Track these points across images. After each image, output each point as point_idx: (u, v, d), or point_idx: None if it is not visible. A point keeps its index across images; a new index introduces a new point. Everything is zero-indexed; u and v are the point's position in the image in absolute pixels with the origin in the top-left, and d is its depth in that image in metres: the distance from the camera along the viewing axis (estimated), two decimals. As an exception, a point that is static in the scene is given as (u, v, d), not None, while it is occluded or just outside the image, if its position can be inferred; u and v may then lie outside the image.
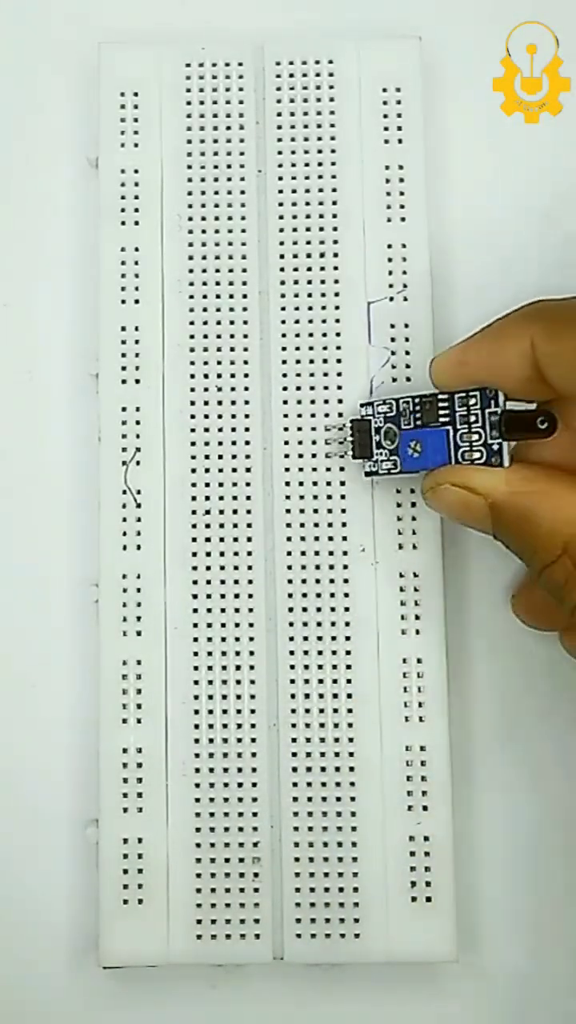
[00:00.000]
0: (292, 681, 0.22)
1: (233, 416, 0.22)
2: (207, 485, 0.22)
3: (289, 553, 0.22)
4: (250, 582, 0.22)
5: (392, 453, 0.21)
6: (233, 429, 0.22)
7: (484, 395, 0.19)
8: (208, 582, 0.22)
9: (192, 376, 0.22)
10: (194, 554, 0.22)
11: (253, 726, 0.22)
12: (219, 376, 0.22)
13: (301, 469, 0.22)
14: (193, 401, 0.22)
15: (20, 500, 0.23)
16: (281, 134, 0.23)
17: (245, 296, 0.22)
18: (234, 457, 0.22)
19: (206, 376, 0.22)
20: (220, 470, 0.22)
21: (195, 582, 0.22)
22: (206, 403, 0.22)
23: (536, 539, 0.18)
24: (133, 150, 0.23)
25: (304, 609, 0.22)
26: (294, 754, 0.21)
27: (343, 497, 0.22)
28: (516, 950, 0.22)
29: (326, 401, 0.22)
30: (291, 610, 0.22)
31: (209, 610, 0.22)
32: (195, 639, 0.22)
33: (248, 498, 0.22)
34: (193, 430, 0.22)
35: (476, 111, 0.24)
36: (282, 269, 0.22)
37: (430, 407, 0.20)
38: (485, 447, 0.19)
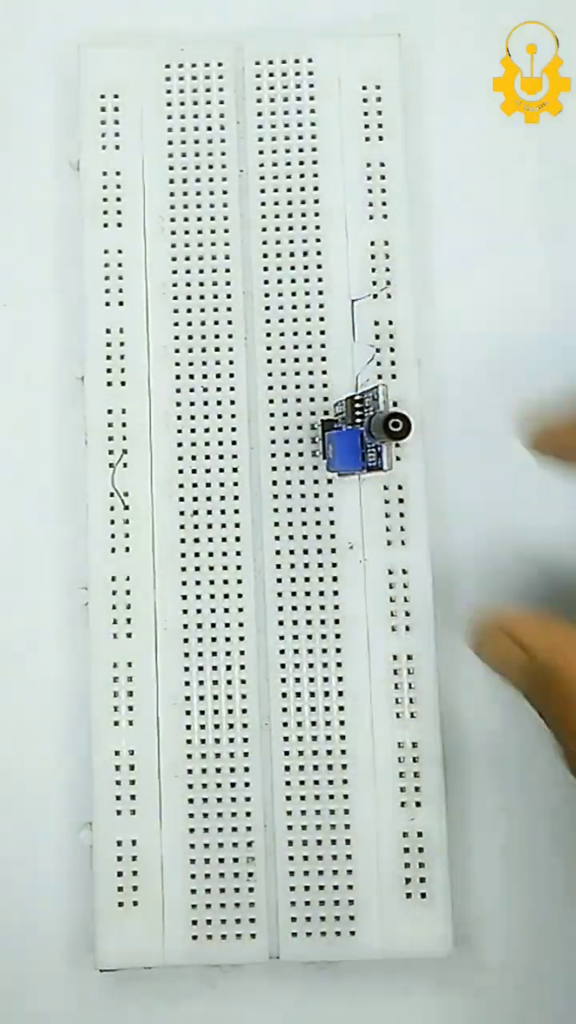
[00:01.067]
0: (283, 680, 0.22)
1: (219, 416, 0.22)
2: (195, 486, 0.22)
3: (278, 552, 0.22)
4: (239, 582, 0.22)
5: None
6: (220, 429, 0.22)
7: (373, 394, 0.18)
8: (197, 583, 0.22)
9: (178, 377, 0.22)
10: (183, 555, 0.22)
11: (245, 726, 0.22)
12: (204, 377, 0.22)
13: (288, 468, 0.22)
14: (179, 402, 0.22)
15: (7, 504, 0.23)
16: (262, 133, 0.23)
17: (229, 296, 0.22)
18: (221, 457, 0.22)
19: (191, 377, 0.22)
20: (207, 470, 0.22)
21: (184, 583, 0.22)
22: (192, 404, 0.22)
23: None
24: (114, 152, 0.23)
25: (294, 608, 0.22)
26: (286, 753, 0.21)
27: (330, 495, 0.22)
28: (511, 944, 0.22)
29: (312, 399, 0.22)
30: (280, 609, 0.22)
31: (199, 611, 0.22)
32: (185, 640, 0.22)
33: (236, 498, 0.22)
34: (180, 431, 0.22)
35: (465, 109, 0.24)
36: (265, 268, 0.23)
37: (349, 407, 0.20)
38: (374, 449, 0.18)
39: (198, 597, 0.22)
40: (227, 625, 0.22)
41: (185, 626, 0.22)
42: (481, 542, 0.23)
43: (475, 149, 0.24)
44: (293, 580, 0.22)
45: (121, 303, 0.22)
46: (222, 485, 0.22)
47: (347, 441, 0.19)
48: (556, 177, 0.24)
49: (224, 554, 0.22)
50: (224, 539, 0.22)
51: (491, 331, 0.23)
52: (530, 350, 0.23)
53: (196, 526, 0.22)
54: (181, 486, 0.22)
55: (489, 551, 0.23)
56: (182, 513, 0.22)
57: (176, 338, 0.22)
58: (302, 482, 0.22)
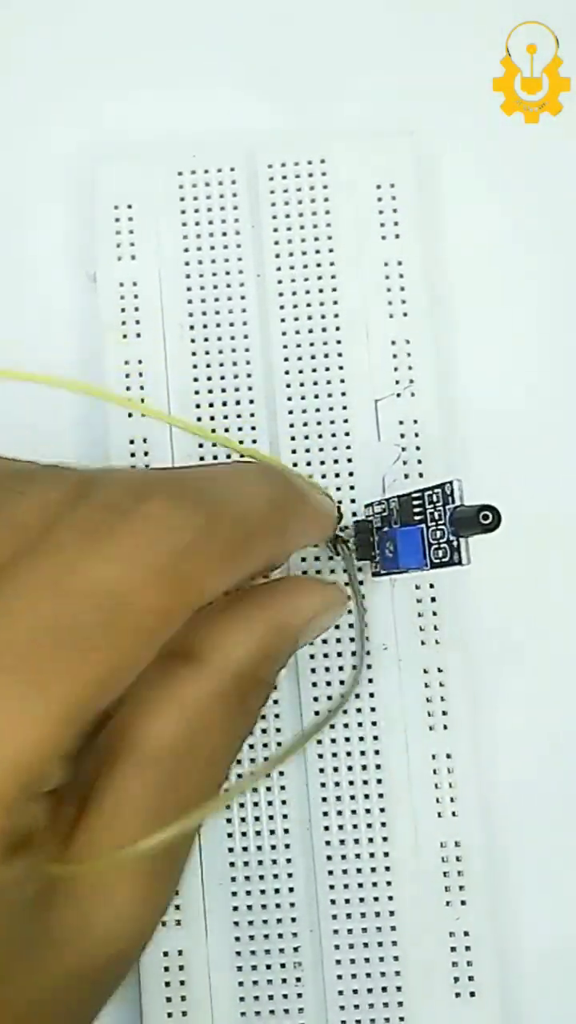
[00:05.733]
0: (323, 784, 0.22)
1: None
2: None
3: (312, 656, 0.22)
4: (276, 688, 0.22)
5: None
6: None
7: (443, 490, 0.18)
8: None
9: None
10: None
11: (286, 831, 0.22)
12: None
13: (319, 572, 0.22)
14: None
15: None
16: (278, 236, 0.23)
17: (252, 402, 0.22)
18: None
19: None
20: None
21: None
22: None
23: None
24: (130, 262, 0.22)
25: (330, 711, 0.22)
26: (328, 857, 0.21)
27: (363, 597, 0.22)
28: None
29: (340, 502, 0.22)
30: (317, 713, 0.22)
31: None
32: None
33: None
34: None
35: (483, 198, 0.24)
36: (287, 372, 0.22)
37: (405, 505, 0.20)
38: (447, 544, 0.18)
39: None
40: (264, 731, 0.22)
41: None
42: (515, 633, 0.23)
43: (494, 239, 0.24)
44: (328, 683, 0.22)
45: (143, 415, 0.22)
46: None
47: (410, 539, 0.19)
48: (556, 178, 0.24)
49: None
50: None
51: (517, 425, 0.23)
52: (559, 444, 0.23)
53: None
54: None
55: (523, 644, 0.23)
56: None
57: (200, 445, 0.22)
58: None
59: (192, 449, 0.22)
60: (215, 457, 0.22)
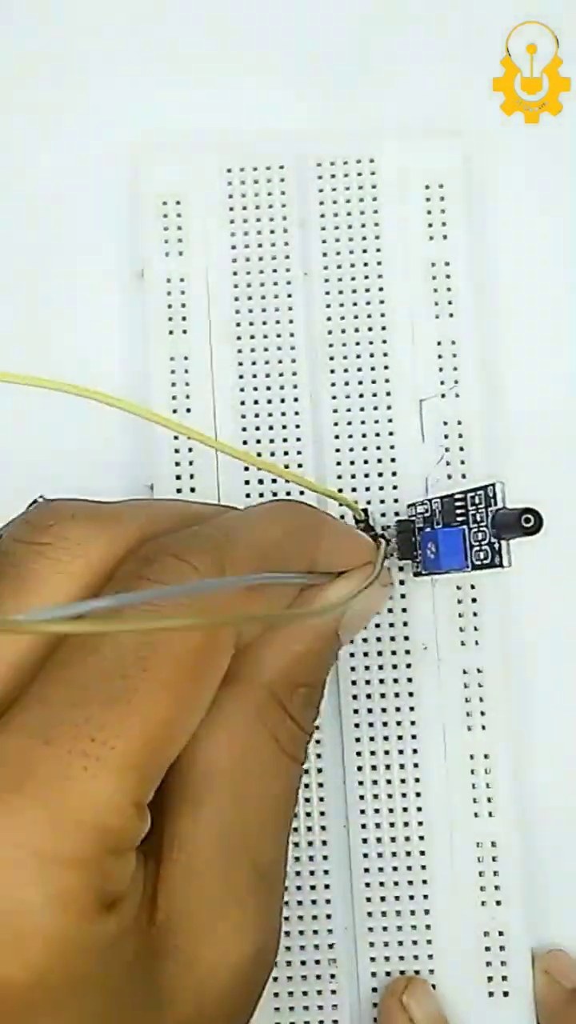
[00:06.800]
0: (360, 783, 0.22)
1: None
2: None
3: (352, 655, 0.22)
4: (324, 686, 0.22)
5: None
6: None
7: (486, 492, 0.18)
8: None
9: (247, 483, 0.22)
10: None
11: (323, 828, 0.22)
12: (274, 481, 0.22)
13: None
14: (249, 506, 0.22)
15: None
16: (325, 235, 0.23)
17: (296, 400, 0.22)
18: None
19: (260, 482, 0.22)
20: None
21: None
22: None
23: None
24: (178, 258, 0.23)
25: (369, 710, 0.22)
26: (365, 855, 0.22)
27: (403, 596, 0.22)
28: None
29: (382, 501, 0.22)
30: (356, 711, 0.22)
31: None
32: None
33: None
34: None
35: (528, 204, 0.24)
36: (332, 371, 0.22)
37: (448, 507, 0.20)
38: (489, 546, 0.18)
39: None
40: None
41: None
42: (555, 636, 0.23)
43: (540, 245, 0.24)
44: (368, 682, 0.22)
45: (188, 410, 0.22)
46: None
47: (452, 540, 0.19)
48: (556, 178, 0.24)
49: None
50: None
51: (560, 428, 0.23)
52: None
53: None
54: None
55: (564, 646, 0.23)
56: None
57: (245, 443, 0.22)
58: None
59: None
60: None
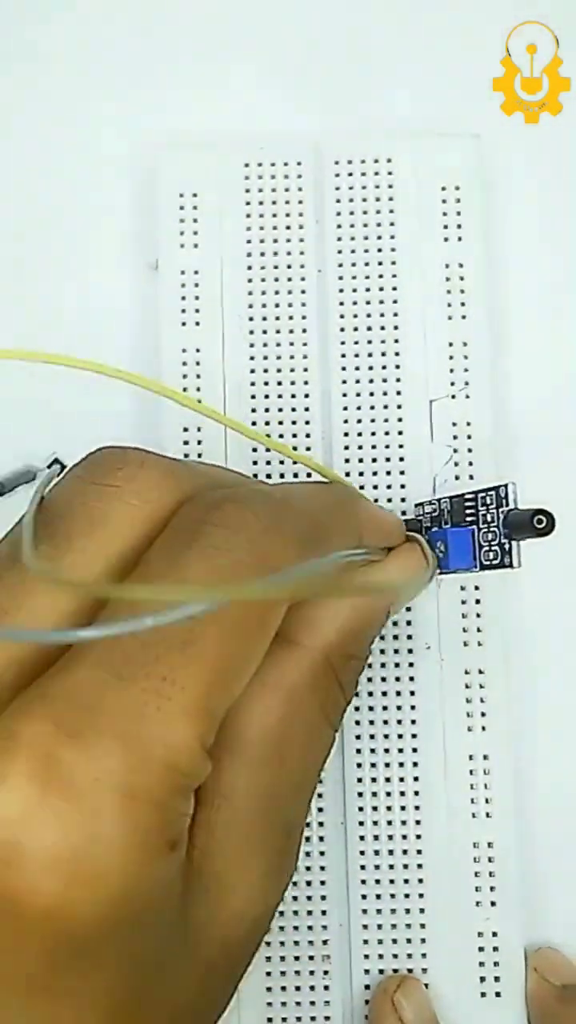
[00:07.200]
0: (359, 780, 0.22)
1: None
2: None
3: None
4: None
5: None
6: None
7: (498, 492, 0.19)
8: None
9: (254, 463, 0.22)
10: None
11: (321, 824, 0.22)
12: (281, 476, 0.22)
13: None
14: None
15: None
16: (340, 233, 0.23)
17: (307, 396, 0.22)
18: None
19: (269, 477, 0.22)
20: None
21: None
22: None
23: None
24: (193, 251, 0.23)
25: (370, 708, 0.22)
26: (362, 852, 0.22)
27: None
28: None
29: (389, 500, 0.22)
30: (357, 709, 0.22)
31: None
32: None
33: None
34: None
35: (543, 209, 0.24)
36: (343, 368, 0.23)
37: (458, 506, 0.20)
38: (499, 547, 0.19)
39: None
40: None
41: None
42: (557, 640, 0.23)
43: (541, 245, 0.24)
44: (370, 680, 0.22)
45: (199, 402, 0.22)
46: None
47: (461, 540, 0.19)
48: (557, 178, 0.24)
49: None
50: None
51: (567, 431, 0.23)
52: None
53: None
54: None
55: (567, 646, 0.23)
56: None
57: (254, 450, 0.22)
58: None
59: (246, 452, 0.22)
60: (267, 450, 0.22)
